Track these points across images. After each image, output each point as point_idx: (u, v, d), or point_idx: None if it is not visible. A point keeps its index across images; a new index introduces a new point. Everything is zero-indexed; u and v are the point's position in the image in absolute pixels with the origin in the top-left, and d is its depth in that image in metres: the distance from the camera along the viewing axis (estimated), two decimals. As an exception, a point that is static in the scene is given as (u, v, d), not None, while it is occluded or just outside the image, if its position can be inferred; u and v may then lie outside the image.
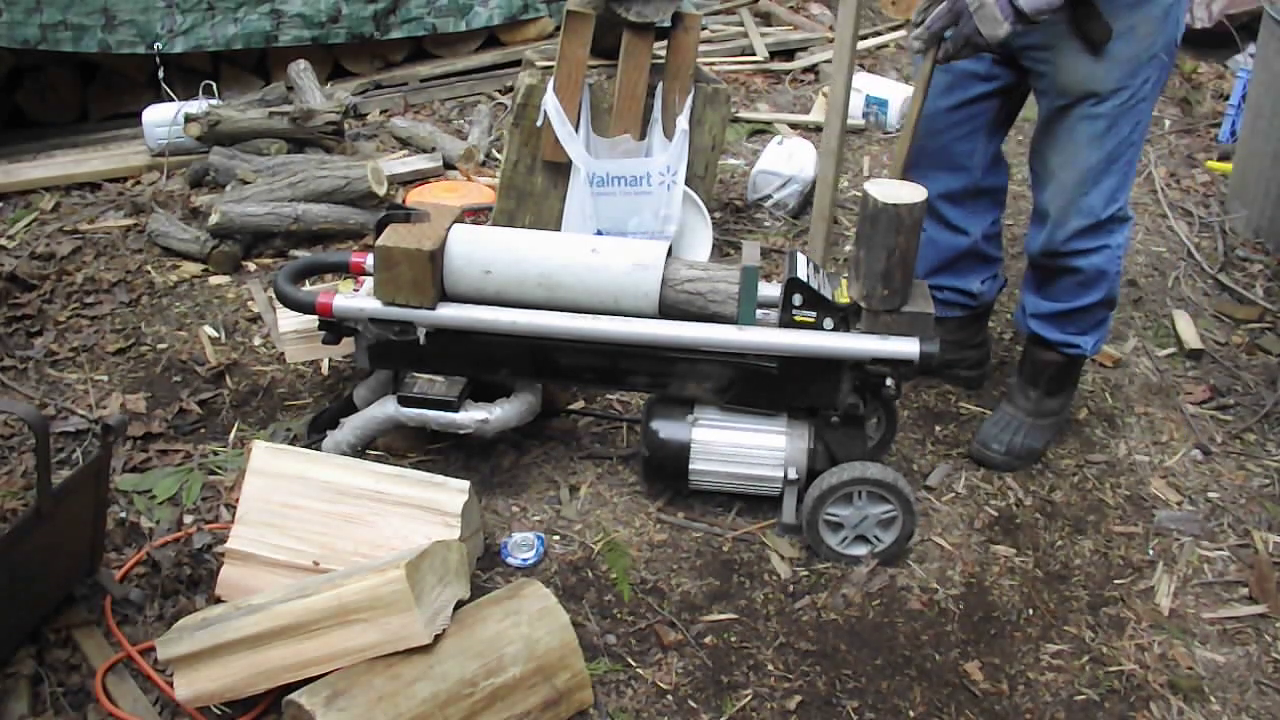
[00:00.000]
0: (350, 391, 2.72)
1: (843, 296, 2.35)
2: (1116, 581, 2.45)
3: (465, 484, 2.25)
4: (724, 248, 3.64)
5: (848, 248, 3.67)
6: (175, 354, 3.04)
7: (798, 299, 2.33)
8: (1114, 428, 2.92)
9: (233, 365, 3.00)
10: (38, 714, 2.01)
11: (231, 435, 2.75)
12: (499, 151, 4.06)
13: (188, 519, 2.47)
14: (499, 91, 4.88)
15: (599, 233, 3.21)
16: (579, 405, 2.88)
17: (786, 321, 2.35)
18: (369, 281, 2.47)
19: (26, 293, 3.25)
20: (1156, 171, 4.27)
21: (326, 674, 1.89)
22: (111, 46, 4.28)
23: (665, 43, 3.19)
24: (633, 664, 2.17)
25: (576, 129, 3.18)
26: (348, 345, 2.56)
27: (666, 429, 2.45)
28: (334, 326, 2.48)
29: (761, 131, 4.54)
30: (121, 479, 2.57)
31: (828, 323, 2.34)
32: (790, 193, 3.87)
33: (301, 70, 4.43)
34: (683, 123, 3.22)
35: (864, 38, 5.35)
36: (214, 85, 4.18)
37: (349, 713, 1.81)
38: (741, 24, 5.61)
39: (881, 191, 2.23)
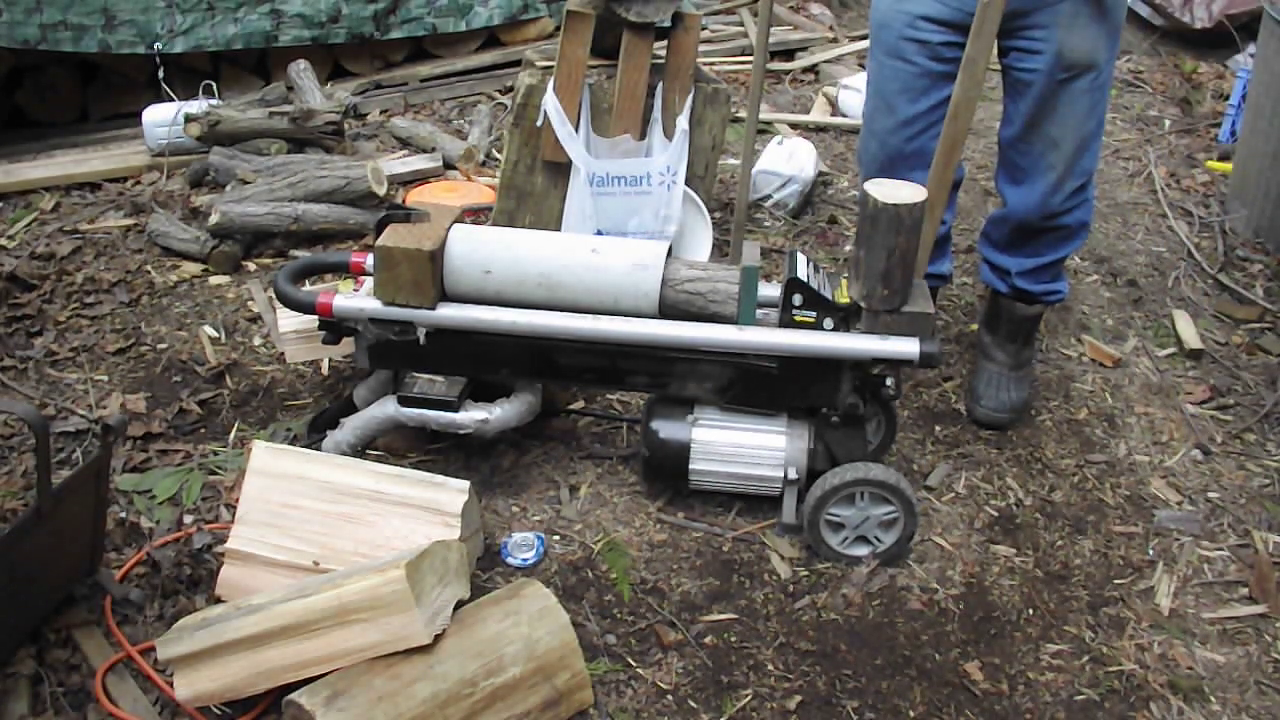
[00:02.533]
0: (350, 391, 2.72)
1: (843, 296, 2.35)
2: (1116, 581, 2.45)
3: (465, 484, 2.25)
4: (724, 248, 3.63)
5: (848, 248, 3.67)
6: (175, 354, 3.04)
7: (798, 299, 2.33)
8: (1114, 428, 2.92)
9: (233, 365, 3.00)
10: (38, 714, 2.01)
11: (231, 435, 2.75)
12: (499, 151, 4.06)
13: (188, 519, 2.47)
14: (499, 91, 4.88)
15: (599, 233, 3.21)
16: (579, 405, 2.88)
17: (786, 321, 2.35)
18: (369, 281, 2.47)
19: (26, 293, 3.25)
20: (1156, 171, 4.27)
21: (326, 674, 1.89)
22: (111, 46, 4.28)
23: (665, 43, 3.19)
24: (633, 664, 2.17)
25: (576, 129, 3.18)
26: (348, 345, 2.56)
27: (666, 429, 2.45)
28: (334, 326, 2.48)
29: (762, 131, 4.54)
30: (121, 479, 2.57)
31: (828, 323, 2.34)
32: (790, 193, 3.87)
33: (301, 70, 4.43)
34: (683, 123, 3.22)
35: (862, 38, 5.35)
36: (214, 85, 4.18)
37: (349, 713, 1.81)
38: (741, 24, 5.61)
39: (881, 191, 2.23)
